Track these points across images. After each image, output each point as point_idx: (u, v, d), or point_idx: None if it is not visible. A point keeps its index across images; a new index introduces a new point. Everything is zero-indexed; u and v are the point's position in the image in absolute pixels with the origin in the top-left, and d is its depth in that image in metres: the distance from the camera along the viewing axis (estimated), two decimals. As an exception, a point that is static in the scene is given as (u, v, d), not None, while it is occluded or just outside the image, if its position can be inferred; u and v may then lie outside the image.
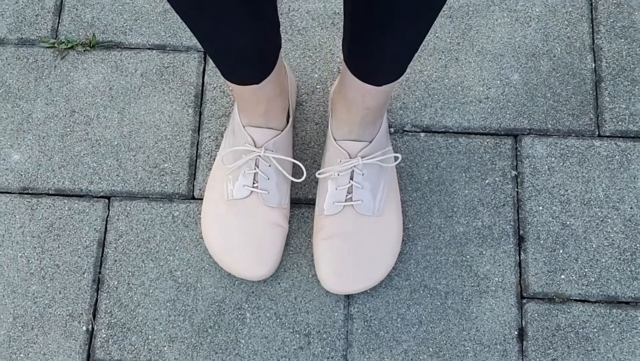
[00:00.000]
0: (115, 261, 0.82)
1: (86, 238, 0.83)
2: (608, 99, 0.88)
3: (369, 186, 0.77)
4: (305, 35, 0.91)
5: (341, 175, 0.76)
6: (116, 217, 0.84)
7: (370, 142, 0.76)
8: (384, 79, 0.68)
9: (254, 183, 0.76)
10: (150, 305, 0.81)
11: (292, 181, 0.83)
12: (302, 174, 0.78)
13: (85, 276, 0.82)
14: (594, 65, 0.89)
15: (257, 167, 0.76)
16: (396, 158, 0.82)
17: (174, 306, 0.81)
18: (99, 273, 0.82)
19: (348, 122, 0.75)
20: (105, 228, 0.83)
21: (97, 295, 0.81)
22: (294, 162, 0.80)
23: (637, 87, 0.88)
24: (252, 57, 0.65)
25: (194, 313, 0.80)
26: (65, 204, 0.84)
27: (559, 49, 0.90)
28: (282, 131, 0.77)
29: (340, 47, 0.90)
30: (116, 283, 0.82)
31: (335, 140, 0.76)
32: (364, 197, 0.77)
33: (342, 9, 0.92)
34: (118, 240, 0.83)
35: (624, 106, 0.87)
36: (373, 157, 0.76)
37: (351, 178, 0.76)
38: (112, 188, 0.85)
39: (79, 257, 0.82)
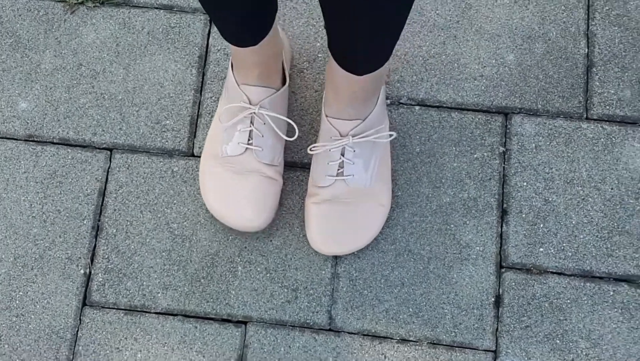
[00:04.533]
0: (115, 210, 0.86)
1: (87, 186, 0.86)
2: (598, 83, 0.91)
3: (361, 162, 0.79)
4: (309, 4, 0.94)
5: (333, 151, 0.78)
6: (117, 168, 0.87)
7: (363, 120, 0.77)
8: (363, 69, 0.68)
9: (249, 140, 0.79)
10: (146, 254, 0.84)
11: (287, 142, 0.86)
12: (295, 133, 0.80)
13: (85, 222, 0.85)
14: (586, 50, 0.92)
15: (252, 124, 0.78)
16: (390, 135, 0.83)
17: (169, 256, 0.84)
18: (99, 220, 0.85)
19: (337, 103, 0.76)
20: (107, 178, 0.87)
21: (96, 241, 0.85)
22: (288, 123, 0.82)
23: (626, 74, 0.91)
24: (249, 18, 0.66)
25: (188, 264, 0.84)
26: (68, 153, 0.87)
27: (554, 33, 0.93)
28: (277, 91, 0.79)
29: (343, 18, 0.93)
30: (114, 230, 0.85)
31: (326, 116, 0.78)
32: (355, 172, 0.79)
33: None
34: (118, 190, 0.86)
35: (612, 92, 0.91)
36: (364, 136, 0.77)
37: (342, 155, 0.78)
38: (115, 141, 0.88)
39: (80, 204, 0.86)
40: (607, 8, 0.94)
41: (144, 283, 0.83)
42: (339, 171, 0.78)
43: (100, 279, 0.83)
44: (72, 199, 0.86)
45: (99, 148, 0.88)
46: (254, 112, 0.78)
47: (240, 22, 0.67)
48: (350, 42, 0.64)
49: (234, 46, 0.73)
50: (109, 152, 0.88)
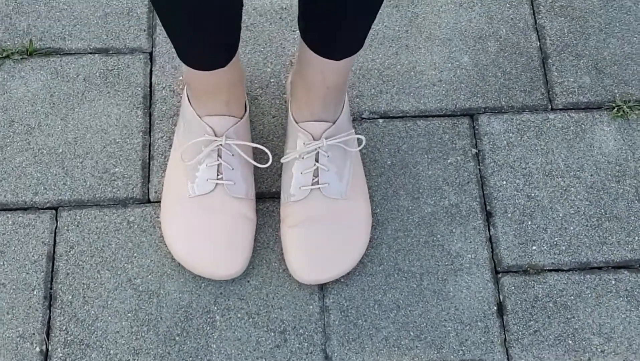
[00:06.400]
0: (68, 274, 0.76)
1: (34, 252, 0.77)
2: (556, 74, 0.90)
3: (335, 168, 0.75)
4: (254, 31, 0.89)
5: (306, 158, 0.74)
6: (65, 228, 0.78)
7: (333, 123, 0.74)
8: (342, 52, 0.67)
9: (218, 175, 0.73)
10: (109, 318, 0.74)
11: (255, 174, 0.80)
12: (268, 160, 0.75)
13: (35, 293, 0.75)
14: (538, 43, 0.91)
15: (220, 157, 0.73)
16: (360, 141, 0.81)
17: (136, 317, 0.75)
18: (50, 288, 0.76)
19: (309, 104, 0.73)
20: (54, 241, 0.77)
21: (50, 312, 0.74)
22: (258, 149, 0.77)
23: (582, 61, 0.90)
24: (224, 35, 0.64)
25: (158, 322, 0.75)
26: (8, 219, 0.78)
27: (504, 30, 0.92)
28: (241, 118, 0.74)
29: (290, 41, 0.89)
30: (70, 297, 0.75)
31: (297, 123, 0.74)
32: (331, 179, 0.75)
33: (289, 4, 0.91)
34: (69, 252, 0.77)
35: (572, 80, 0.89)
36: (337, 138, 0.74)
37: (316, 160, 0.74)
38: (59, 198, 0.79)
39: (27, 273, 0.76)
40: (550, 1, 0.94)
41: (111, 351, 0.73)
42: (314, 180, 0.73)
43: (60, 354, 0.73)
44: (18, 268, 0.76)
45: (42, 208, 0.79)
46: (221, 144, 0.72)
47: (214, 42, 0.64)
48: (335, 20, 0.62)
49: (196, 75, 0.69)
50: (54, 212, 0.79)
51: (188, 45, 0.64)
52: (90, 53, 0.86)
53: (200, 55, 0.66)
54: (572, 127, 0.87)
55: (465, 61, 0.90)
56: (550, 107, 0.88)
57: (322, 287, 0.77)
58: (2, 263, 0.76)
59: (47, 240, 0.77)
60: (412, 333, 0.76)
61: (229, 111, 0.73)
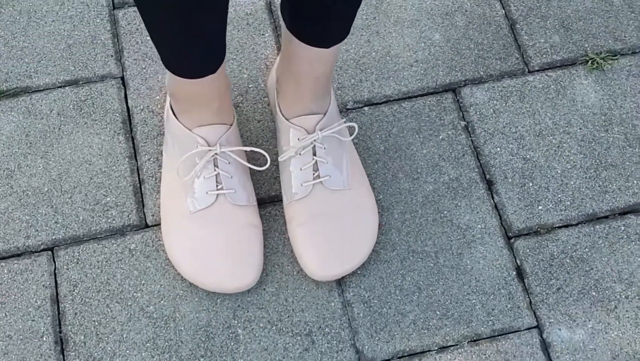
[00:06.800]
0: (76, 314, 0.72)
1: (36, 297, 0.73)
2: (526, 37, 0.91)
3: (333, 160, 0.74)
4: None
5: (303, 153, 0.72)
6: (65, 267, 0.74)
7: (324, 115, 0.73)
8: (331, 39, 0.66)
9: (217, 186, 0.71)
10: (127, 351, 0.71)
11: (252, 180, 0.78)
12: (265, 163, 0.73)
13: (45, 339, 0.71)
14: (503, 11, 0.92)
15: (217, 167, 0.71)
16: (352, 129, 0.80)
17: (155, 345, 0.71)
18: (60, 332, 0.72)
19: (299, 98, 0.72)
20: (56, 282, 0.74)
21: (64, 357, 0.70)
22: (253, 152, 0.76)
23: (548, 21, 0.92)
24: (216, 39, 0.63)
25: (179, 346, 0.71)
26: (3, 268, 0.74)
27: (468, 4, 0.93)
28: (231, 125, 0.73)
29: (261, 45, 0.88)
30: (82, 337, 0.71)
31: (288, 120, 0.73)
32: (331, 172, 0.73)
33: (253, 9, 0.90)
34: (73, 291, 0.73)
35: (542, 40, 0.91)
36: (331, 129, 0.73)
37: (314, 154, 0.73)
38: (53, 237, 0.76)
39: (33, 320, 0.72)
40: (507, -31, 0.95)
41: (135, 385, 0.70)
42: (315, 174, 0.72)
43: (82, 399, 0.69)
44: (22, 317, 0.72)
45: (37, 251, 0.75)
46: (217, 153, 0.70)
47: (205, 47, 0.63)
48: (323, 8, 0.62)
49: (184, 86, 0.67)
50: (50, 253, 0.75)
51: (178, 53, 0.63)
52: (60, 87, 0.83)
53: (191, 63, 0.64)
54: (552, 86, 0.88)
55: (437, 39, 0.90)
56: (527, 70, 0.89)
57: (340, 282, 0.75)
58: (4, 315, 0.72)
59: (47, 283, 0.73)
60: (438, 313, 0.75)
61: (220, 119, 0.71)
